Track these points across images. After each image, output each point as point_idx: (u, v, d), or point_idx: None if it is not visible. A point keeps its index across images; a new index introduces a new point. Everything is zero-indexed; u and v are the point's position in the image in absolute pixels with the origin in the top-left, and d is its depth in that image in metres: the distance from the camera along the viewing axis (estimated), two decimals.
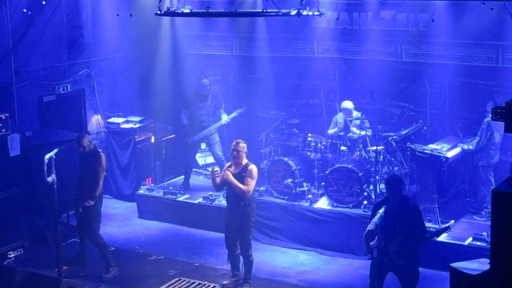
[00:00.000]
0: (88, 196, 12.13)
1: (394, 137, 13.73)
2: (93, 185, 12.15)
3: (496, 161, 13.25)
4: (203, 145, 16.16)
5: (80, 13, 15.64)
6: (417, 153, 13.03)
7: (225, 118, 15.31)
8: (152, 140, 16.35)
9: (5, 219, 13.02)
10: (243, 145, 11.50)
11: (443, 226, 11.12)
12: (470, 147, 13.25)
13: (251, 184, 11.44)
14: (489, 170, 13.28)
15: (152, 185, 15.69)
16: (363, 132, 13.92)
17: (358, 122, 14.19)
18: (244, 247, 11.67)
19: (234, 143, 11.62)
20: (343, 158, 13.78)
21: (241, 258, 11.83)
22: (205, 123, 15.31)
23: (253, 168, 11.50)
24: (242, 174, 11.45)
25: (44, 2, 14.33)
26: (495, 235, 7.29)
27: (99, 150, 12.64)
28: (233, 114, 15.31)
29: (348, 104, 14.40)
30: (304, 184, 13.85)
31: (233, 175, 11.49)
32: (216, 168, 11.71)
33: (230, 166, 11.65)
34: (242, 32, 16.25)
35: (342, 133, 14.38)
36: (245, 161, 11.55)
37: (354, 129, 14.18)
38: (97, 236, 12.35)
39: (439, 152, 12.93)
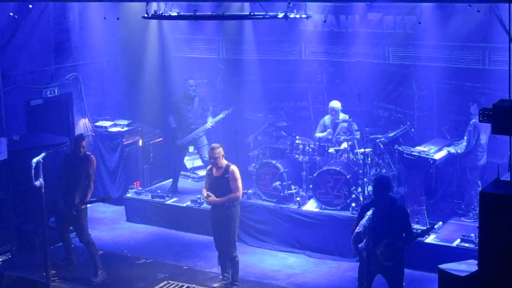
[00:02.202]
0: (84, 199, 12.27)
1: (382, 139, 13.75)
2: (87, 188, 12.32)
3: (484, 163, 13.27)
4: (191, 148, 16.15)
5: (67, 17, 15.60)
6: (404, 155, 13.06)
7: (209, 122, 15.33)
8: (140, 143, 16.32)
9: None
10: (218, 151, 11.53)
11: (428, 226, 11.17)
12: (459, 151, 13.26)
13: (238, 186, 11.55)
14: (476, 172, 13.31)
15: (140, 188, 15.65)
16: (346, 144, 13.91)
17: (345, 124, 14.20)
18: (229, 249, 11.68)
19: (209, 150, 11.73)
20: (331, 161, 13.78)
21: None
22: (193, 126, 15.32)
23: (234, 169, 11.58)
24: (225, 176, 11.53)
25: (31, 6, 14.28)
26: (483, 237, 7.31)
27: (89, 153, 12.75)
28: (220, 116, 15.31)
29: (335, 104, 14.37)
30: (292, 186, 13.85)
31: (216, 178, 11.59)
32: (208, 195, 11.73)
33: (211, 169, 11.72)
34: (229, 35, 16.25)
35: (330, 136, 14.38)
36: (224, 162, 11.61)
37: (344, 144, 14.11)
38: (89, 235, 12.45)
39: (426, 154, 12.96)
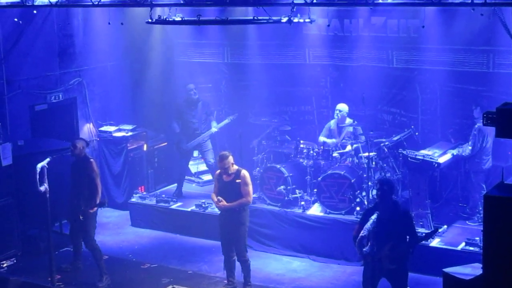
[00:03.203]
0: (90, 203, 12.27)
1: (386, 143, 13.75)
2: (93, 192, 12.33)
3: (489, 166, 13.25)
4: (195, 153, 16.16)
5: (71, 22, 15.63)
6: (409, 159, 13.05)
7: (214, 127, 15.32)
8: (145, 148, 16.34)
9: None
10: (227, 161, 11.49)
11: (432, 229, 11.17)
12: (463, 154, 13.26)
13: (249, 191, 11.59)
14: (480, 176, 13.30)
15: (144, 193, 15.67)
16: (350, 147, 13.89)
17: (351, 129, 14.19)
18: (240, 252, 11.69)
19: (218, 161, 11.65)
20: (335, 165, 13.78)
21: (237, 265, 11.84)
22: (197, 131, 15.32)
23: (245, 174, 11.58)
24: (235, 181, 11.53)
25: (35, 11, 14.31)
26: (487, 240, 7.32)
27: (89, 156, 12.76)
28: (225, 121, 15.32)
29: (343, 106, 14.33)
30: (297, 191, 13.85)
31: (227, 183, 11.57)
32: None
33: (220, 174, 11.70)
34: (233, 39, 16.26)
35: (335, 140, 14.36)
36: (235, 168, 11.60)
37: (348, 147, 14.10)
38: (94, 241, 12.45)
39: (431, 158, 12.95)
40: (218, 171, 11.79)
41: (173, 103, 16.21)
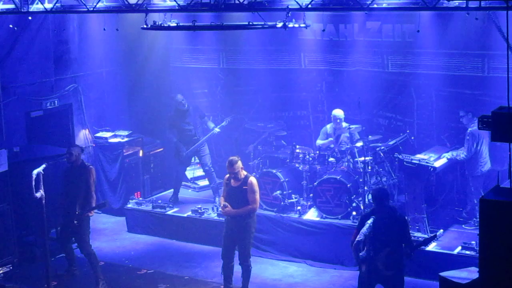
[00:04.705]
0: (85, 207, 12.27)
1: (382, 147, 13.75)
2: (88, 198, 12.36)
3: (488, 169, 13.22)
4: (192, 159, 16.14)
5: (67, 28, 15.64)
6: (405, 163, 13.05)
7: (217, 127, 15.12)
8: (141, 154, 16.32)
9: None
10: (237, 166, 11.51)
11: (431, 235, 11.17)
12: (458, 158, 13.26)
13: (256, 198, 11.62)
14: (478, 180, 13.29)
15: (141, 199, 15.65)
16: (357, 144, 13.89)
17: (347, 134, 14.19)
18: (244, 258, 11.70)
19: (228, 166, 11.60)
20: (331, 169, 13.79)
21: (234, 271, 11.83)
22: (195, 137, 15.22)
23: (253, 181, 11.61)
24: (243, 187, 11.54)
25: (30, 18, 14.31)
26: (483, 243, 7.32)
27: (87, 163, 12.74)
28: (223, 124, 15.23)
29: (339, 112, 14.32)
30: (293, 195, 13.85)
31: (234, 188, 11.60)
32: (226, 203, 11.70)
33: (229, 179, 11.71)
34: (229, 45, 16.28)
35: (332, 145, 14.36)
36: (244, 173, 11.63)
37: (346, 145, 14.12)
38: (89, 246, 12.45)
39: (426, 162, 12.96)
40: (227, 175, 11.79)
41: (169, 109, 16.11)
